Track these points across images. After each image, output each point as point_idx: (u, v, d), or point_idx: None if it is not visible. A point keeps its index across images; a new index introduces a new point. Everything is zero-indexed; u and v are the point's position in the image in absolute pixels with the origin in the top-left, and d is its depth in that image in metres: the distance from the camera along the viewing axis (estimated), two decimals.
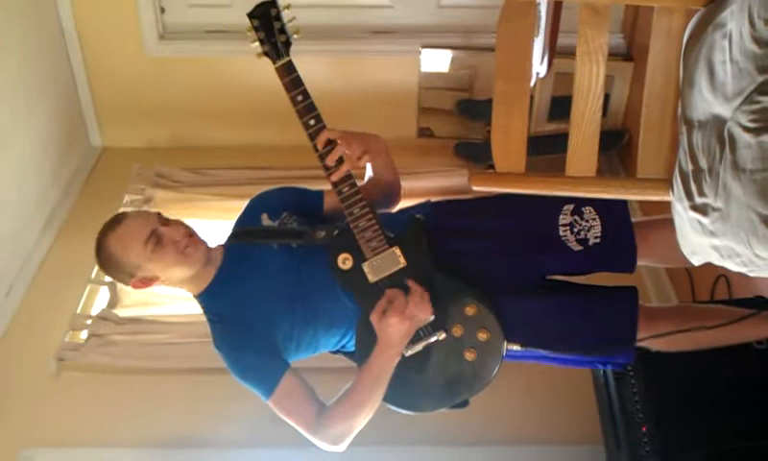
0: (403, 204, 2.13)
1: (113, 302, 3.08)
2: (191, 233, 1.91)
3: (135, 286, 1.90)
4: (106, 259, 1.86)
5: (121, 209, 3.46)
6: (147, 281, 1.89)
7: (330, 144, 1.85)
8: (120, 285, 3.02)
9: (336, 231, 1.90)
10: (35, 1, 3.49)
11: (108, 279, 3.00)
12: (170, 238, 1.86)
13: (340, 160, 1.85)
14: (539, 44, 2.15)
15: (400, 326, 1.79)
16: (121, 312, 3.02)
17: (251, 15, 1.86)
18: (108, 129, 4.01)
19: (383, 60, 3.80)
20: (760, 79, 1.24)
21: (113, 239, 1.84)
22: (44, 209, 3.50)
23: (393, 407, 1.91)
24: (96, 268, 3.12)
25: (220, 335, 1.89)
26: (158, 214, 1.91)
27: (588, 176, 1.71)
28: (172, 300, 3.07)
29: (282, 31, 1.86)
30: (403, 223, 1.92)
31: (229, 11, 3.65)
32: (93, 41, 3.75)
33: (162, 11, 3.76)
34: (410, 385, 1.89)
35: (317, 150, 1.86)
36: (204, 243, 1.94)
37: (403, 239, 1.88)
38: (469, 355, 1.87)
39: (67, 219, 3.55)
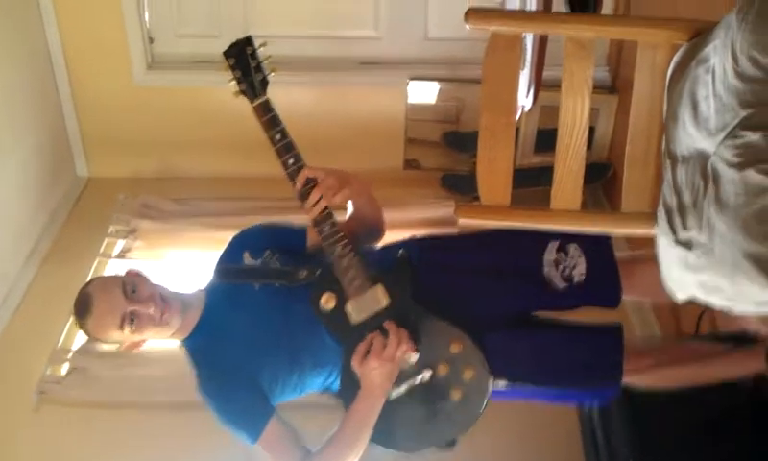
0: (389, 235, 2.11)
1: None
2: (163, 298, 1.84)
3: (128, 349, 1.90)
4: (92, 337, 1.86)
5: (106, 240, 3.46)
6: (136, 344, 1.88)
7: (310, 182, 1.83)
8: None
9: (318, 271, 1.87)
10: (22, 28, 3.48)
11: None
12: (144, 314, 1.80)
13: (319, 198, 1.82)
14: (524, 77, 2.15)
15: (381, 368, 1.77)
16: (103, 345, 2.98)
17: (226, 54, 1.84)
18: (95, 158, 3.99)
19: (370, 92, 3.81)
20: (743, 114, 1.24)
21: (91, 325, 1.81)
22: (28, 240, 3.46)
23: (379, 447, 1.88)
24: None
25: (204, 380, 1.86)
26: (123, 285, 1.81)
27: (572, 209, 1.70)
28: None
29: (259, 69, 1.83)
30: (387, 260, 1.90)
31: (218, 41, 3.60)
32: (81, 70, 3.74)
33: (151, 41, 3.76)
34: (396, 426, 1.85)
35: (296, 189, 1.83)
36: (178, 302, 1.87)
37: (387, 277, 1.86)
38: (456, 394, 1.84)
39: (51, 250, 3.50)
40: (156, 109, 3.83)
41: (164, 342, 2.86)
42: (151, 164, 3.94)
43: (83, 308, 1.81)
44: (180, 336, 1.91)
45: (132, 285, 1.82)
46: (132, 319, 1.78)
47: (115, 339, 1.84)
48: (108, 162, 3.96)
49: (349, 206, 1.99)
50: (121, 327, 1.78)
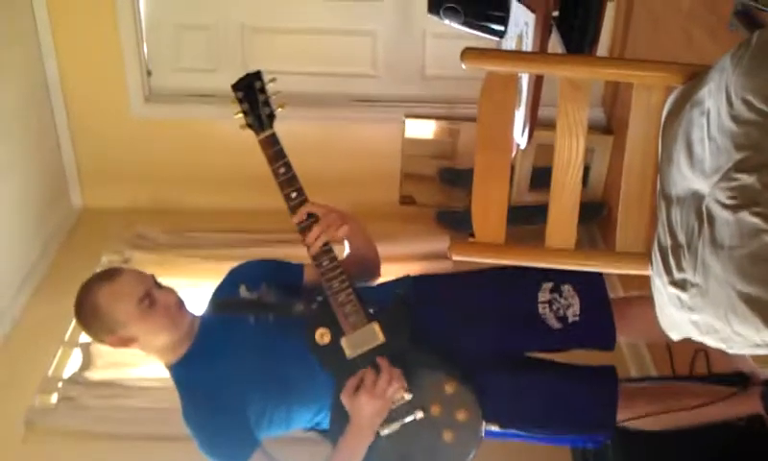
0: (385, 269, 2.11)
1: (86, 364, 3.01)
2: (182, 302, 1.89)
3: (112, 344, 1.85)
4: (90, 311, 1.81)
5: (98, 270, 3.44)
6: (125, 342, 1.84)
7: (311, 217, 1.84)
8: (94, 346, 2.97)
9: (315, 305, 1.87)
10: (21, 58, 3.50)
11: (82, 340, 2.96)
12: (163, 302, 1.83)
13: (321, 233, 1.83)
14: (520, 116, 2.16)
15: (371, 405, 1.76)
16: (94, 374, 2.95)
17: (235, 87, 1.86)
18: (90, 189, 3.99)
19: (367, 128, 3.83)
20: (738, 156, 1.25)
21: (105, 292, 1.80)
22: (21, 269, 3.44)
23: None
24: (71, 328, 3.09)
25: (190, 408, 1.85)
26: (153, 276, 1.89)
27: (567, 248, 1.70)
28: (147, 361, 3.00)
29: (267, 103, 1.85)
30: (383, 298, 1.90)
31: (215, 76, 3.68)
32: (79, 101, 3.76)
33: (149, 73, 3.78)
34: None
35: (297, 223, 1.84)
36: (190, 314, 1.91)
37: (383, 315, 1.86)
38: (448, 436, 1.83)
39: (43, 279, 3.49)
40: (152, 140, 3.84)
41: (156, 372, 2.88)
42: (146, 196, 3.94)
43: (109, 273, 1.87)
44: (169, 360, 1.91)
45: (159, 283, 1.89)
46: (152, 300, 1.81)
47: (119, 317, 1.80)
48: (104, 193, 3.96)
49: (347, 245, 1.99)
50: (139, 302, 1.79)
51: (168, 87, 3.81)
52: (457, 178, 3.83)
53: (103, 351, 2.94)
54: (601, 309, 1.99)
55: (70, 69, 3.68)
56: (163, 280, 1.93)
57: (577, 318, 1.94)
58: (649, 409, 1.92)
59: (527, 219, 2.99)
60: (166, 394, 2.77)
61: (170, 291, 1.88)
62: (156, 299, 1.82)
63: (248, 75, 1.86)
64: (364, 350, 1.83)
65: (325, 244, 1.84)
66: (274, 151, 1.84)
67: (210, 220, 3.76)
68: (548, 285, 1.97)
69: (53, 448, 2.75)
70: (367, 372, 1.79)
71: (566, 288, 1.97)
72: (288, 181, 1.83)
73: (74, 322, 1.88)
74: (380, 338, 1.84)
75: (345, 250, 2.01)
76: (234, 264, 2.08)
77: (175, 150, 3.85)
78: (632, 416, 1.93)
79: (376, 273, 2.09)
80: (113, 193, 3.94)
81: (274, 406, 1.85)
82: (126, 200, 3.93)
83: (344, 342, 1.84)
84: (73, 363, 3.10)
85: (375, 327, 1.84)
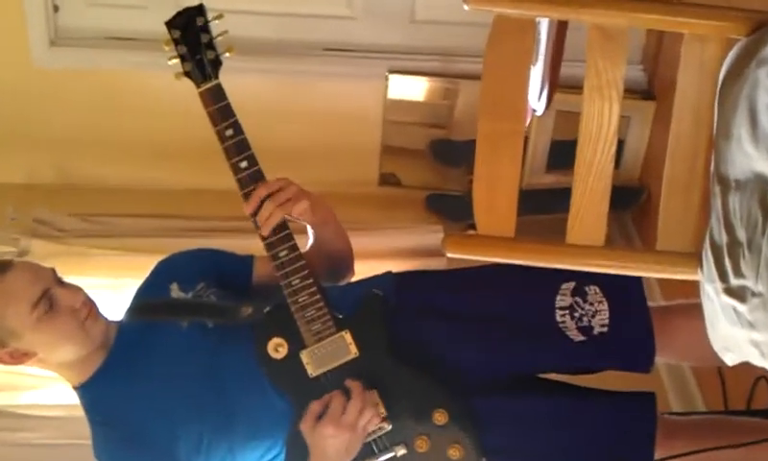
0: (359, 269, 2.12)
1: None
2: (92, 303, 1.88)
3: (3, 360, 1.84)
4: None
5: None
6: (19, 357, 1.83)
7: (266, 197, 1.83)
8: None
9: (268, 308, 1.86)
10: None
11: None
12: (67, 304, 1.82)
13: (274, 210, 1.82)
14: (536, 74, 2.17)
15: (338, 439, 1.75)
16: None
17: (170, 25, 1.85)
18: None
19: (339, 86, 3.81)
20: None
21: None
22: None
23: None
24: None
25: (102, 442, 1.85)
26: (53, 271, 1.87)
27: (594, 245, 1.71)
28: (48, 383, 2.99)
29: (211, 46, 1.85)
30: (357, 300, 1.90)
31: (143, 13, 3.64)
32: None
33: (56, 9, 3.73)
34: None
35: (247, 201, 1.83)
36: (105, 318, 1.91)
37: (357, 321, 1.86)
38: None
39: None
40: (58, 96, 3.80)
41: (58, 397, 2.87)
42: (48, 168, 3.91)
43: None
44: (77, 379, 1.90)
45: (61, 278, 1.87)
46: (52, 302, 1.79)
47: (10, 324, 1.78)
48: None
49: (310, 233, 1.99)
50: (35, 305, 1.77)
51: (80, 28, 3.77)
52: (454, 153, 3.84)
53: None
54: (636, 318, 2.00)
55: None
56: (70, 279, 1.92)
57: (605, 329, 1.95)
58: (694, 446, 1.93)
59: (543, 206, 3.01)
60: (74, 425, 2.76)
61: (76, 289, 1.87)
62: (57, 300, 1.81)
63: (186, 9, 1.86)
64: (331, 366, 1.83)
65: (284, 230, 1.83)
66: (218, 107, 1.83)
67: (132, 201, 3.74)
68: (569, 286, 1.98)
69: None
70: (334, 395, 1.79)
71: (592, 290, 1.98)
72: (236, 146, 1.83)
73: None
74: (352, 351, 1.84)
75: (308, 240, 2.00)
76: (163, 257, 2.07)
77: (87, 109, 3.82)
78: (672, 452, 1.94)
79: (348, 271, 2.10)
80: (6, 165, 3.90)
81: (212, 440, 1.85)
82: (23, 173, 3.89)
83: (304, 356, 1.84)
84: None
85: (346, 336, 1.84)
